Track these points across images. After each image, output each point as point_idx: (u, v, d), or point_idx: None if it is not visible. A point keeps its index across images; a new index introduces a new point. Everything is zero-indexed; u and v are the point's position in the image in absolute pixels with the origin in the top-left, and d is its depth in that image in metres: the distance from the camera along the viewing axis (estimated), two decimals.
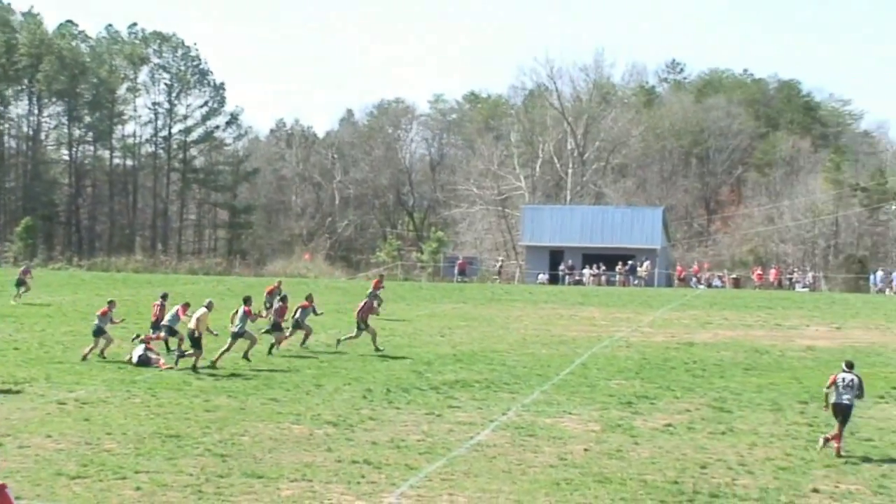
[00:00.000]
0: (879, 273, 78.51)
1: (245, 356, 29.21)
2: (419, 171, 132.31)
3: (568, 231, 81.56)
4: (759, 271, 78.91)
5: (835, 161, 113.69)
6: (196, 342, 27.96)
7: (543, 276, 76.89)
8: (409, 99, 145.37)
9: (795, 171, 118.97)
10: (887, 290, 73.04)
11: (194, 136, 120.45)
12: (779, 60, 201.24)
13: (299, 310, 32.76)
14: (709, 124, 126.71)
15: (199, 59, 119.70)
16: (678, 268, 79.50)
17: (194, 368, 27.71)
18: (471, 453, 18.59)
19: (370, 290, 40.57)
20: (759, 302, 54.50)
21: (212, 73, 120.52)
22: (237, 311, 29.78)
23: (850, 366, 20.01)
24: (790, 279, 77.28)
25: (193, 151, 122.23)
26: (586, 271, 75.63)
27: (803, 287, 74.55)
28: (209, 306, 28.92)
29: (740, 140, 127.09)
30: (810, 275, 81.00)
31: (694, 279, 77.04)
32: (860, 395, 19.50)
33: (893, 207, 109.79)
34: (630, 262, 74.89)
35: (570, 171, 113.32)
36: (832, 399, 19.44)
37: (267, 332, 32.01)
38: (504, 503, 15.55)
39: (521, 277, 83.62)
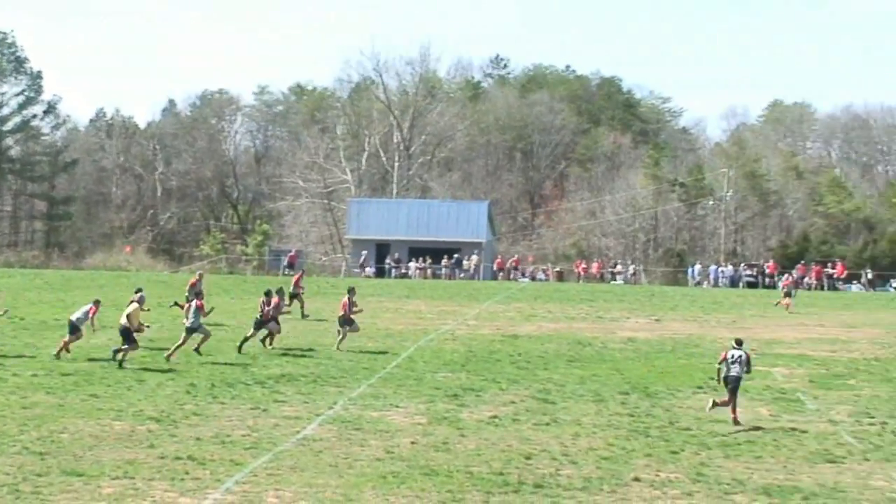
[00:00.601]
0: (697, 266, 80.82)
1: (197, 350, 29.16)
2: (244, 164, 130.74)
3: (394, 224, 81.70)
4: (582, 265, 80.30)
5: (654, 157, 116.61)
6: (128, 336, 27.53)
7: (370, 270, 76.80)
8: (233, 90, 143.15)
9: (616, 166, 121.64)
10: (705, 283, 75.19)
11: (10, 125, 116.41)
12: (601, 58, 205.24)
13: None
14: (532, 119, 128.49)
15: (16, 47, 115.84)
16: (498, 260, 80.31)
17: (120, 364, 27.09)
18: (297, 448, 18.40)
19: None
20: (582, 295, 55.45)
21: (29, 60, 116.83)
22: (189, 306, 29.74)
23: (738, 343, 22.40)
24: (612, 272, 78.85)
25: (9, 141, 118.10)
26: (412, 264, 75.79)
27: (624, 280, 76.17)
28: (140, 301, 28.54)
29: (563, 135, 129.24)
30: (631, 268, 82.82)
31: (518, 272, 77.89)
32: (748, 370, 21.98)
33: (711, 203, 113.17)
34: (456, 256, 75.34)
35: (396, 164, 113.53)
36: (723, 373, 21.81)
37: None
38: (331, 497, 15.42)
39: (347, 271, 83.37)
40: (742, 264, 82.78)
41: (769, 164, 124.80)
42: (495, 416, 21.47)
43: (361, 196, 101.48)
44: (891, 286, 79.28)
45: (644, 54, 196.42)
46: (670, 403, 23.43)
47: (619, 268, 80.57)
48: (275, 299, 31.74)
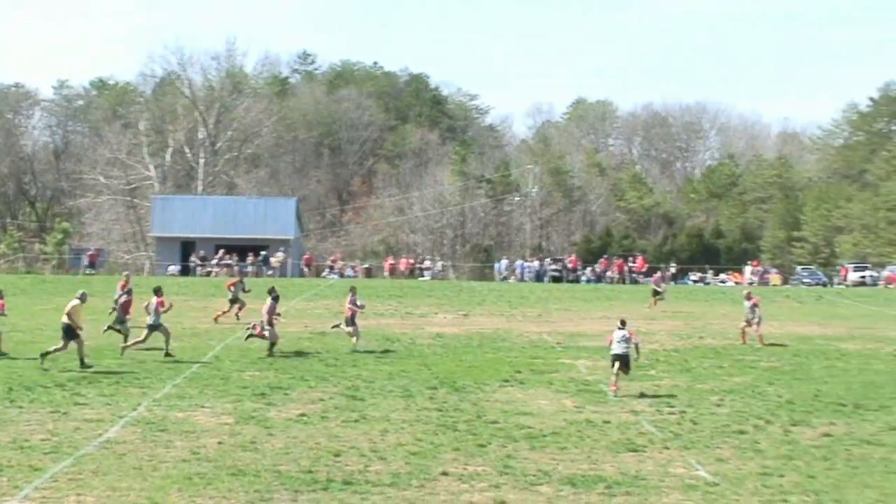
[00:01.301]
0: (504, 262, 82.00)
1: (167, 353, 29.22)
2: (42, 160, 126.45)
3: (200, 222, 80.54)
4: (390, 261, 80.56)
5: (461, 154, 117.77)
6: (71, 334, 27.15)
7: (175, 268, 75.44)
8: (30, 84, 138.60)
9: (424, 162, 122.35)
10: (511, 278, 76.34)
11: None
12: (409, 54, 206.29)
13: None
14: (340, 116, 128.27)
15: None
16: (306, 256, 79.93)
17: (82, 363, 26.86)
18: (99, 451, 17.87)
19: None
20: (391, 291, 55.62)
21: None
22: (149, 303, 29.77)
23: (623, 323, 25.43)
24: (420, 268, 79.31)
25: None
26: (218, 262, 74.74)
27: (432, 276, 76.70)
28: (82, 298, 27.95)
29: (371, 132, 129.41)
30: (439, 264, 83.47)
31: (327, 270, 77.63)
32: (637, 352, 25.32)
33: (517, 199, 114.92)
34: (263, 253, 74.66)
35: (201, 160, 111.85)
36: (612, 351, 24.79)
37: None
38: (135, 501, 15.02)
39: (151, 269, 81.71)
40: (547, 259, 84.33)
41: (573, 160, 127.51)
42: (303, 414, 21.30)
43: (166, 193, 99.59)
44: (690, 279, 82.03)
45: (451, 52, 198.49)
46: (478, 397, 23.64)
47: (427, 263, 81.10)
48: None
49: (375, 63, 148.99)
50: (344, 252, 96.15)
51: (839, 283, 77.84)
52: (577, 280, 74.75)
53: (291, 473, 16.57)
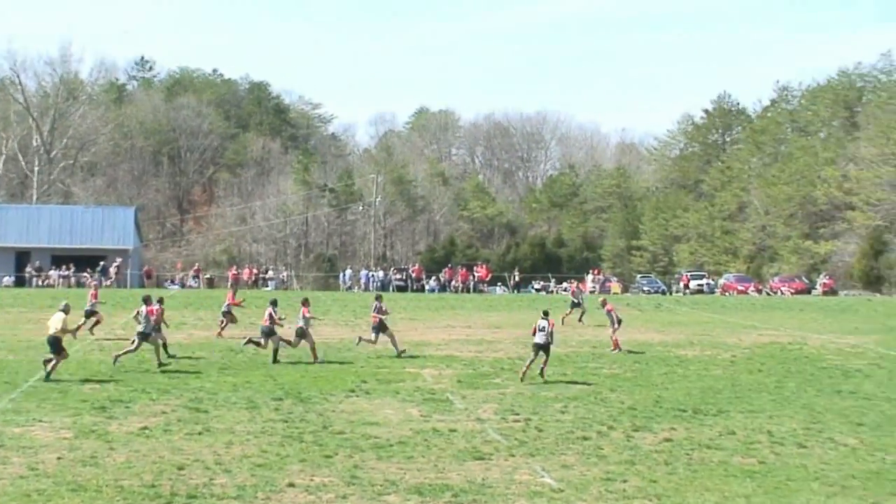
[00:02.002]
0: (348, 271, 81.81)
1: (160, 362, 29.47)
2: None
3: (35, 231, 78.45)
4: (233, 271, 79.67)
5: (304, 162, 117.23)
6: (57, 346, 27.17)
7: (9, 279, 73.24)
8: None
9: (266, 171, 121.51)
10: (356, 288, 76.19)
11: None
12: (249, 62, 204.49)
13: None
14: (179, 123, 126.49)
15: None
16: (146, 268, 78.54)
17: (47, 376, 26.73)
18: None
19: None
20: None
21: None
22: (138, 312, 30.27)
23: (545, 314, 28.29)
24: (263, 278, 78.62)
25: None
26: (55, 273, 72.86)
27: (276, 286, 76.09)
28: (66, 309, 28.03)
29: (211, 140, 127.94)
30: (283, 273, 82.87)
31: (168, 281, 76.37)
32: (551, 339, 27.78)
33: (360, 208, 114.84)
34: (102, 264, 73.03)
35: (36, 168, 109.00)
36: (534, 341, 27.78)
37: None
38: None
39: None
40: (391, 268, 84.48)
41: (416, 170, 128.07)
42: (145, 428, 20.84)
43: None
44: (533, 288, 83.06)
45: (293, 60, 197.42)
46: (324, 408, 23.48)
47: (270, 273, 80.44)
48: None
49: (215, 70, 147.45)
50: (185, 262, 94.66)
51: (678, 291, 79.70)
52: (421, 289, 75.01)
53: (134, 488, 16.19)
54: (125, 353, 29.84)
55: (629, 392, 26.33)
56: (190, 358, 31.86)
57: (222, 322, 38.67)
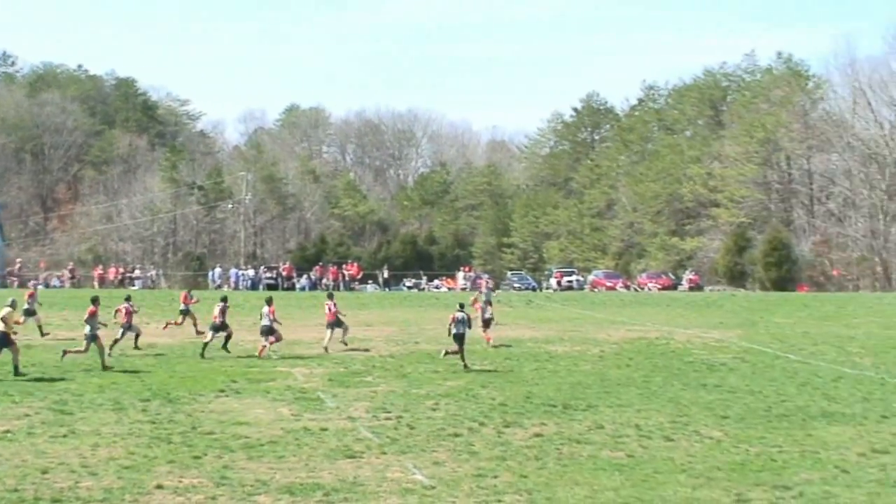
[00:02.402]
0: (217, 269, 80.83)
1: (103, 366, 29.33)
2: None
3: None
4: (99, 270, 78.08)
5: (172, 160, 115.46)
6: (6, 342, 27.51)
7: None
8: None
9: (133, 169, 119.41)
10: (226, 286, 75.25)
11: None
12: (115, 58, 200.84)
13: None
14: (43, 120, 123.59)
15: None
16: (10, 268, 76.58)
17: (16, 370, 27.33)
18: None
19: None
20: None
21: None
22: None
23: (461, 306, 30.93)
24: (130, 277, 77.22)
25: None
26: None
27: (143, 285, 74.80)
28: (13, 305, 28.63)
29: (76, 137, 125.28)
30: (151, 272, 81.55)
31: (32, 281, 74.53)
32: (469, 327, 30.56)
33: (230, 206, 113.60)
34: None
35: None
36: (453, 331, 30.28)
37: None
38: None
39: None
40: (262, 267, 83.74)
41: (287, 167, 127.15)
42: (8, 431, 20.30)
43: None
44: (404, 286, 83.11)
45: (160, 56, 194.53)
46: (192, 408, 23.15)
47: (137, 272, 79.07)
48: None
49: (80, 66, 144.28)
50: (49, 261, 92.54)
51: (548, 288, 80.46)
52: (292, 287, 74.45)
53: None
54: (75, 351, 30.24)
55: (500, 388, 26.49)
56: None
57: (179, 322, 39.27)
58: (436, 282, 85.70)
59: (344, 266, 79.06)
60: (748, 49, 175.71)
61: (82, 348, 30.06)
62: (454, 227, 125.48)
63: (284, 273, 77.52)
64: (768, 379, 28.73)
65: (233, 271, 79.16)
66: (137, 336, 33.99)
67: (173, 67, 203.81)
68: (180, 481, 16.70)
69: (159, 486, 16.34)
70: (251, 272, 78.26)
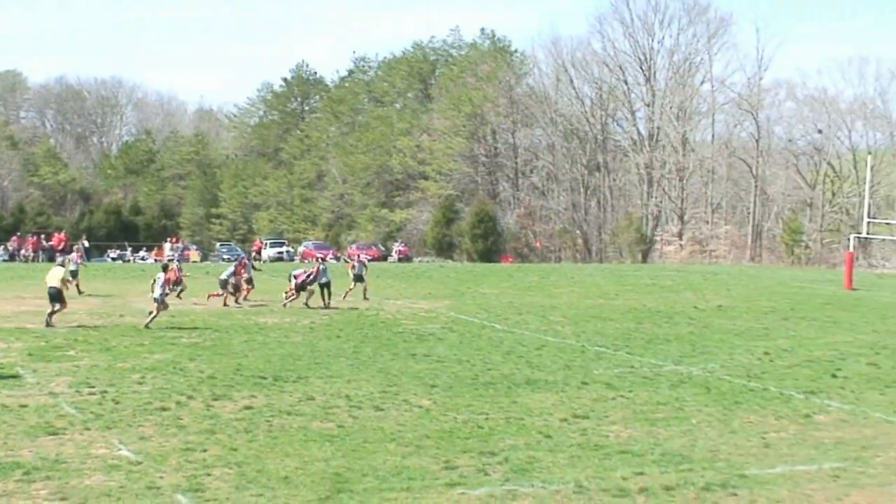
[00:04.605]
0: None
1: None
2: None
3: None
4: None
5: None
6: (59, 297, 31.35)
7: None
8: None
9: None
10: None
11: None
12: None
13: None
14: None
15: None
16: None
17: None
18: None
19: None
20: None
21: None
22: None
23: (164, 268, 32.82)
24: None
25: None
26: None
27: None
28: (63, 264, 33.34)
29: None
30: None
31: None
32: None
33: None
34: None
35: None
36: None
37: None
38: None
39: None
40: None
41: None
42: None
43: None
44: (109, 257, 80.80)
45: None
46: None
47: None
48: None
49: None
50: None
51: (258, 258, 79.81)
52: None
53: None
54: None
55: (209, 361, 26.06)
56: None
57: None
58: (142, 253, 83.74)
59: (44, 236, 76.02)
60: (453, 25, 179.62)
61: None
62: (161, 197, 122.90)
63: None
64: (475, 348, 29.42)
65: None
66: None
67: None
68: None
69: None
70: None
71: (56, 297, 31.86)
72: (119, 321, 34.18)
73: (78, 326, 32.31)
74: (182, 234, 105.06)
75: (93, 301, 40.02)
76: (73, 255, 46.96)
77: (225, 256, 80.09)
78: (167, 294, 34.01)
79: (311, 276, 39.42)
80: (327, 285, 39.42)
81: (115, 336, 30.45)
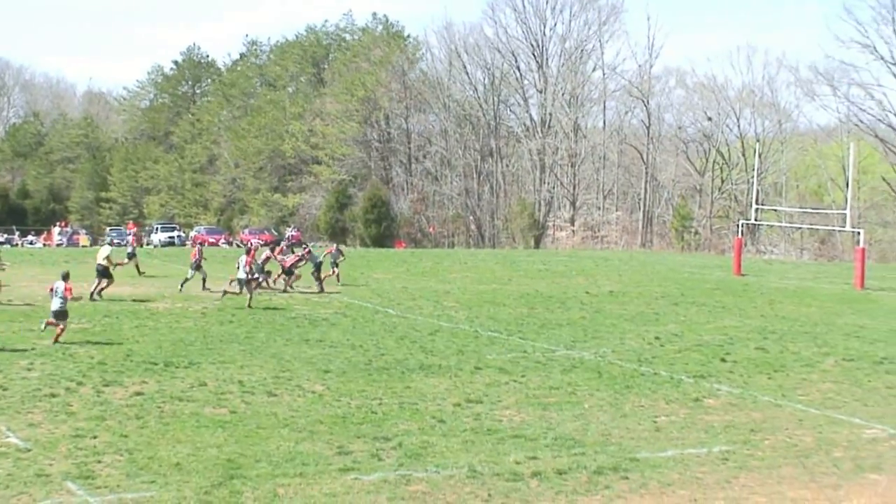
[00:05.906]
0: None
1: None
2: None
3: None
4: None
5: None
6: (106, 274, 34.04)
7: None
8: None
9: None
10: None
11: None
12: None
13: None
14: None
15: None
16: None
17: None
18: None
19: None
20: None
21: None
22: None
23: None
24: None
25: None
26: None
27: None
28: (112, 244, 30.85)
29: None
30: None
31: None
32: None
33: None
34: None
35: None
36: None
37: None
38: None
39: None
40: None
41: None
42: None
43: None
44: None
45: None
46: None
47: None
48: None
49: None
50: None
51: (149, 244, 78.88)
52: None
53: None
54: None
55: (99, 347, 25.74)
56: None
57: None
58: (30, 237, 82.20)
59: None
60: (346, 9, 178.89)
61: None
62: (49, 181, 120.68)
63: None
64: (369, 333, 29.49)
65: None
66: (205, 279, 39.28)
67: None
68: None
69: None
70: None
71: (103, 273, 36.03)
72: (7, 307, 33.54)
73: None
74: (71, 219, 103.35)
75: None
76: None
77: (115, 241, 78.96)
78: (256, 276, 36.10)
79: (301, 260, 40.94)
80: (318, 267, 40.63)
81: (3, 322, 29.89)
